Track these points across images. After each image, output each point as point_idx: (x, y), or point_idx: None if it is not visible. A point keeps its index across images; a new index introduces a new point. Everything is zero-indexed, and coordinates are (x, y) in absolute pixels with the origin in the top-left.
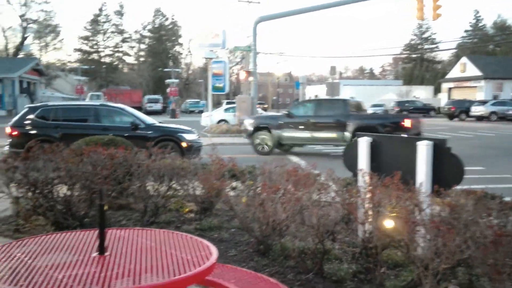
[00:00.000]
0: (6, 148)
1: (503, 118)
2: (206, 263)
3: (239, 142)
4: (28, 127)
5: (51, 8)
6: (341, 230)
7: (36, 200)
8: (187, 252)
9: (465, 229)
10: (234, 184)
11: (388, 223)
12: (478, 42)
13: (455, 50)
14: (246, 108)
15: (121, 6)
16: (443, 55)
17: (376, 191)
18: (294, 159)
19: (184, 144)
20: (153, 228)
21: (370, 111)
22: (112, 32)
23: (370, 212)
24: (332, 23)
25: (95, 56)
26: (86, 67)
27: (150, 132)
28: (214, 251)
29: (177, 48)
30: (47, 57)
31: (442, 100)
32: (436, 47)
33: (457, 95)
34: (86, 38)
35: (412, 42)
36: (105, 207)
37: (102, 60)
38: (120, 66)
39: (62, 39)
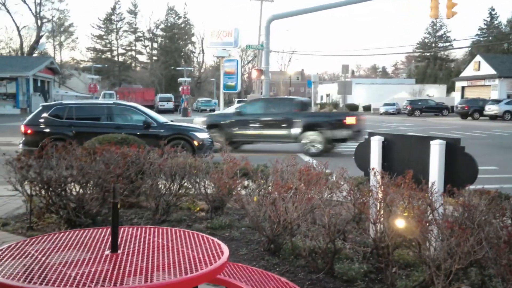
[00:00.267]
0: (20, 146)
1: None
2: (217, 262)
3: None
4: (42, 126)
5: (65, 6)
6: (352, 230)
7: (49, 198)
8: (199, 251)
9: (479, 229)
10: (245, 183)
11: (400, 223)
12: (493, 40)
13: (469, 49)
14: None
15: (135, 5)
16: (457, 54)
17: (389, 190)
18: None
19: (196, 143)
20: (165, 226)
21: (382, 109)
22: (125, 30)
23: (382, 212)
24: (344, 21)
25: (108, 54)
26: (99, 65)
27: (162, 130)
28: (225, 249)
29: (189, 46)
30: (62, 56)
31: (456, 99)
32: (450, 45)
33: (471, 94)
34: (99, 36)
35: (426, 40)
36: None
37: (115, 58)
38: (133, 64)
39: (77, 38)
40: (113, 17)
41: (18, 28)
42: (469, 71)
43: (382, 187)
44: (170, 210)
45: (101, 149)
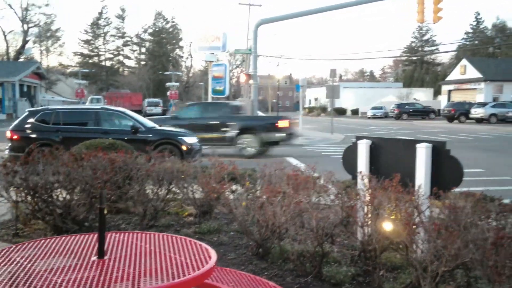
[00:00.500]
0: (6, 152)
1: (503, 120)
2: (205, 267)
3: None
4: (28, 131)
5: (52, 11)
6: (340, 233)
7: (36, 204)
8: (186, 256)
9: (465, 232)
10: (233, 187)
11: (388, 226)
12: (479, 44)
13: (455, 52)
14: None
15: (123, 10)
16: (443, 57)
17: (376, 193)
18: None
19: (184, 147)
20: (152, 231)
21: (370, 113)
22: (113, 35)
23: (369, 215)
24: (332, 26)
25: (95, 59)
26: (86, 70)
27: (150, 135)
28: (213, 254)
29: (177, 51)
30: (48, 61)
31: (442, 102)
32: (436, 49)
33: (457, 97)
34: (86, 41)
35: (412, 44)
36: (105, 211)
37: (103, 63)
38: (120, 69)
39: (64, 43)
40: (100, 21)
41: (4, 32)
42: (455, 74)
43: (370, 190)
44: (158, 215)
45: (88, 155)
